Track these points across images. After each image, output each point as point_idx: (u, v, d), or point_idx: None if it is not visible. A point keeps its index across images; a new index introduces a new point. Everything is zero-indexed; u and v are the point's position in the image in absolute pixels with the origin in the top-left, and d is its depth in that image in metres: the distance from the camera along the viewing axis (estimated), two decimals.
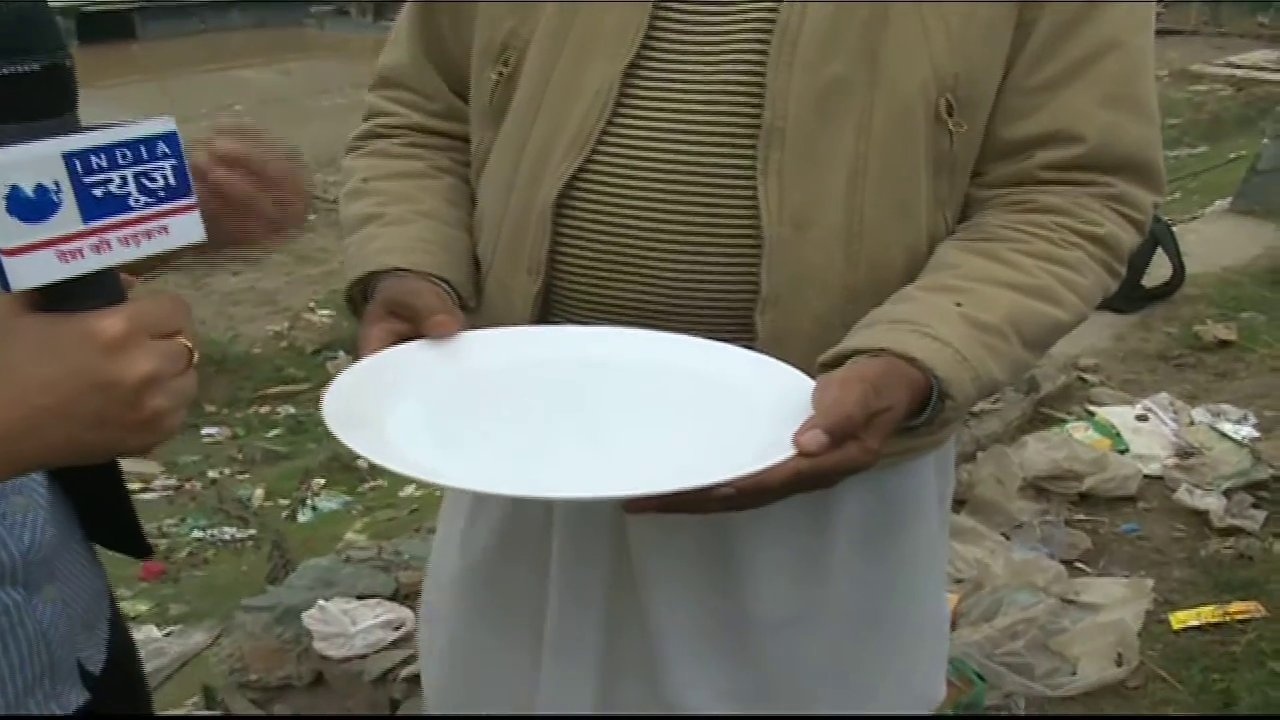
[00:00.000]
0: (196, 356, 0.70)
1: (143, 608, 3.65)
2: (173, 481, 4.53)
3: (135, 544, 1.02)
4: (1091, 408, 3.55)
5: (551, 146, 1.05)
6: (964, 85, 1.01)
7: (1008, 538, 2.85)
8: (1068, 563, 2.75)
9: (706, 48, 1.03)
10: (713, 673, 1.18)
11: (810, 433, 0.85)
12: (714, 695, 1.19)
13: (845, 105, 1.00)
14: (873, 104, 1.00)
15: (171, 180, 0.67)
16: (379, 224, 1.12)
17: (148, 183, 0.66)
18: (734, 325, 1.04)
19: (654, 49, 1.03)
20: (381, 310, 1.02)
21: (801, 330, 1.03)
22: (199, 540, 4.11)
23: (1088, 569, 2.76)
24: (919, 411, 0.95)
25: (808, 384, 0.93)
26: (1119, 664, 2.35)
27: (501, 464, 0.88)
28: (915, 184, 1.03)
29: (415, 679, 2.00)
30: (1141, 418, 3.43)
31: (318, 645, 1.97)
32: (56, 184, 0.62)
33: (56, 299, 0.64)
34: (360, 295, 1.10)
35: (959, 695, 2.22)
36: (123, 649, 0.99)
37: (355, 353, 0.99)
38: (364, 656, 1.98)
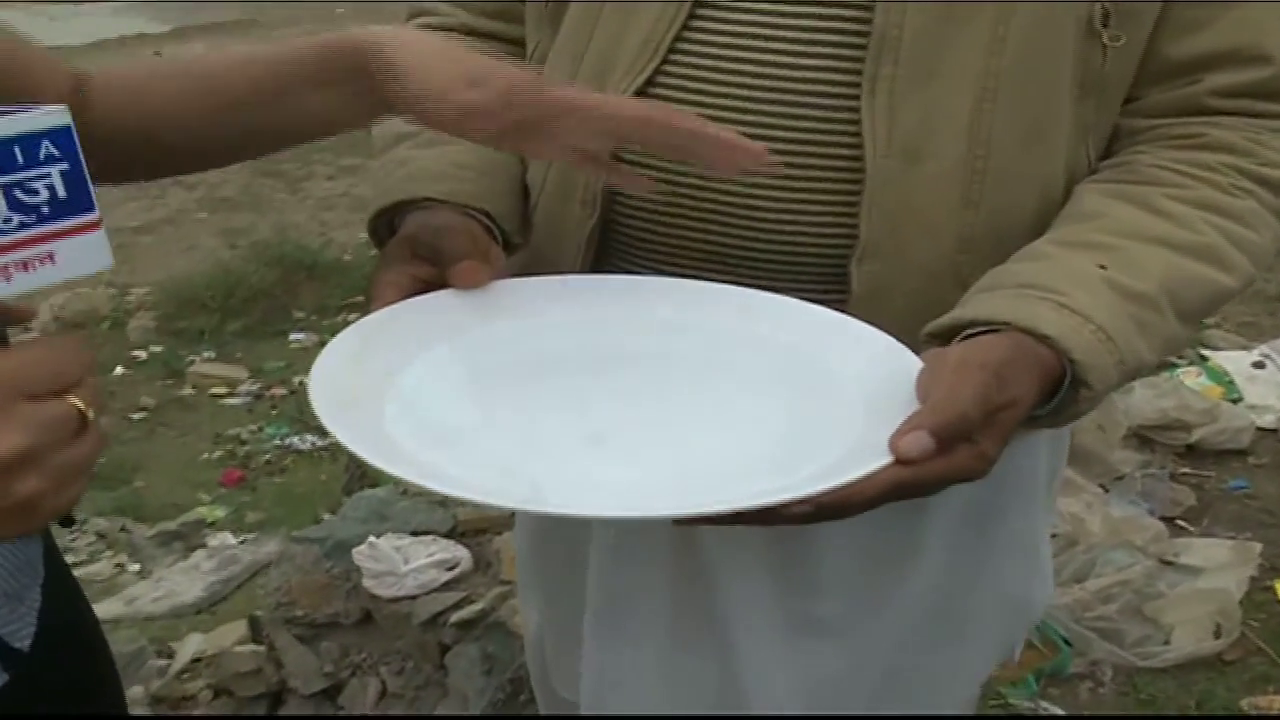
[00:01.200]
0: (96, 415, 0.57)
1: (220, 514, 3.66)
2: (255, 387, 4.54)
3: None
4: (1205, 352, 3.34)
5: (616, 53, 0.89)
6: None
7: (1106, 490, 2.69)
8: (1168, 520, 2.59)
9: None
10: (785, 669, 1.08)
11: (913, 434, 0.69)
12: (786, 692, 1.09)
13: (976, 11, 0.83)
14: (1010, 10, 0.82)
15: (61, 192, 0.52)
16: (411, 144, 0.96)
17: (23, 196, 0.51)
18: (824, 278, 0.89)
19: None
20: (403, 251, 0.86)
21: (906, 286, 0.86)
22: (278, 447, 4.12)
23: (1190, 528, 2.60)
24: (1046, 399, 0.79)
25: (912, 362, 0.77)
26: (1217, 635, 2.20)
27: (530, 462, 0.73)
28: (1055, 110, 0.86)
29: (466, 624, 1.94)
30: (1258, 364, 3.21)
31: (367, 584, 1.91)
32: None
33: None
34: (387, 229, 0.94)
35: (1042, 660, 2.10)
36: (67, 615, 0.89)
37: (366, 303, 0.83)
38: (414, 597, 1.92)
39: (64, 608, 0.87)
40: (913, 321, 0.83)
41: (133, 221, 5.86)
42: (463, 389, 0.80)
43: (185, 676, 2.05)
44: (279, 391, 4.54)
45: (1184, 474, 2.77)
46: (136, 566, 3.21)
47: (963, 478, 0.73)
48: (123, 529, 3.26)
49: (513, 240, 0.94)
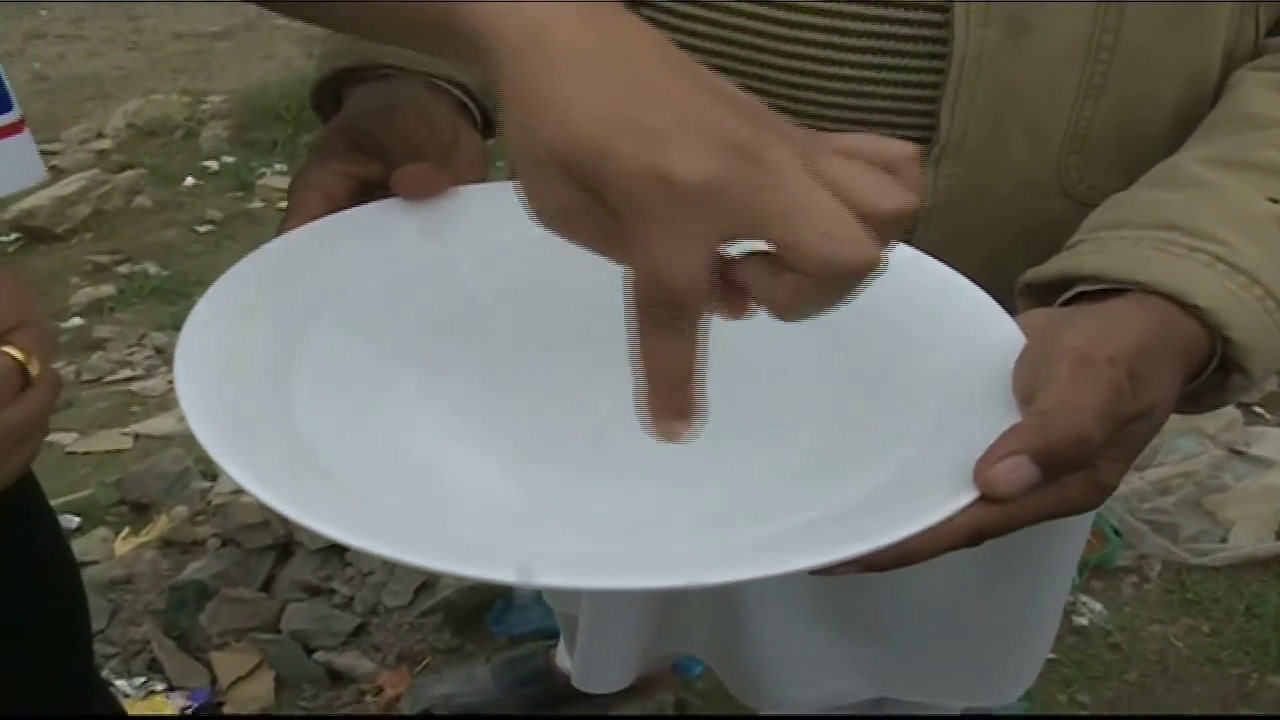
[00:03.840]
0: (41, 367, 0.50)
1: None
2: None
3: None
4: None
5: None
6: None
7: None
8: (1245, 406, 2.45)
9: None
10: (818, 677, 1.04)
11: (1010, 462, 0.48)
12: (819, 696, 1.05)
13: None
14: None
15: None
16: None
17: None
18: None
19: None
20: (339, 141, 0.65)
21: (996, 199, 0.68)
22: None
23: (1267, 415, 2.46)
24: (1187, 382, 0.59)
25: (1008, 334, 0.55)
26: (1279, 536, 2.09)
27: (506, 483, 0.52)
28: None
29: None
30: None
31: None
32: None
33: None
34: (334, 106, 0.73)
35: (1088, 552, 2.01)
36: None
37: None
38: None
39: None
40: (1002, 247, 0.68)
41: (211, 27, 5.75)
42: (406, 357, 0.59)
43: (199, 519, 2.06)
44: None
45: None
46: None
47: (1072, 512, 0.53)
48: None
49: (496, 118, 0.74)
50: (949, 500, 0.47)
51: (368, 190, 0.65)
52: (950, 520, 0.46)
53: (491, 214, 0.64)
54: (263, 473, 0.45)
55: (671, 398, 0.46)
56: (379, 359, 0.58)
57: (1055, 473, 0.49)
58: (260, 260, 0.59)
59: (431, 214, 0.64)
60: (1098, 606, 1.95)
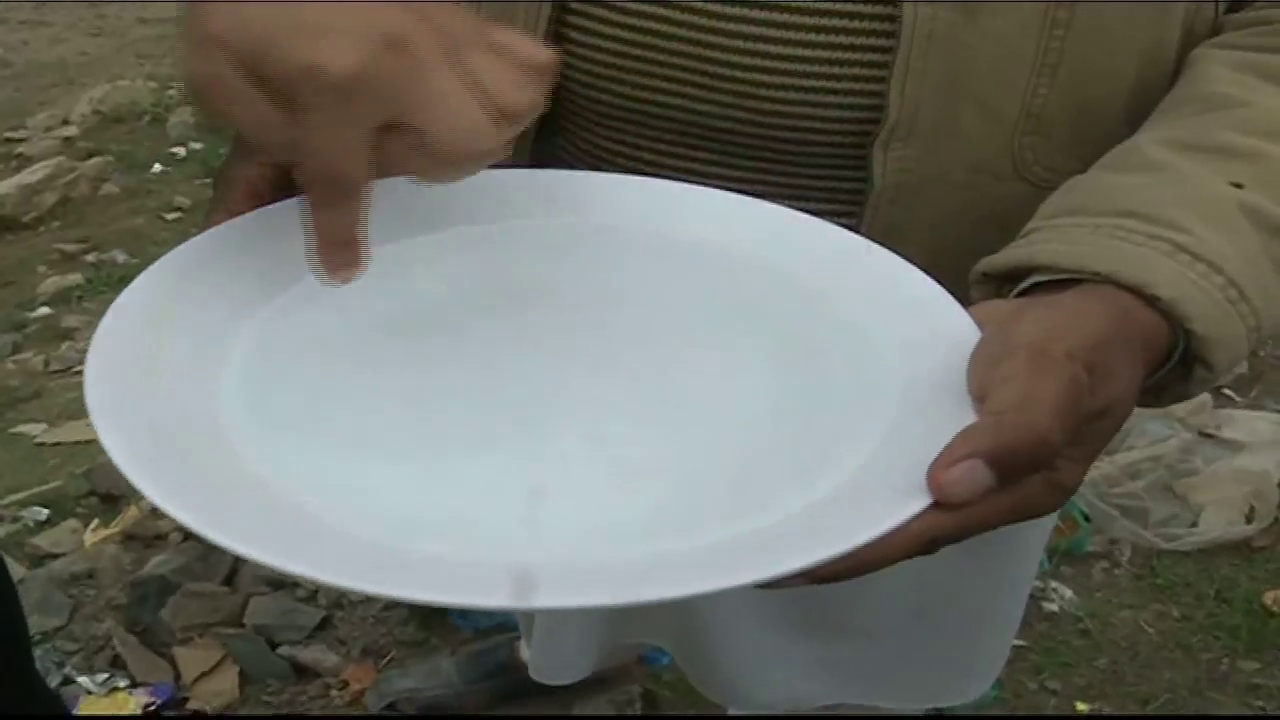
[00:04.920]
0: None
1: None
2: None
3: None
4: None
5: None
6: None
7: None
8: (1216, 389, 2.45)
9: None
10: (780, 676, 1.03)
11: (964, 466, 0.45)
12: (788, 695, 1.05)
13: None
14: None
15: None
16: None
17: None
18: (837, 165, 0.69)
19: None
20: None
21: (948, 183, 0.66)
22: None
23: (1236, 398, 2.46)
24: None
25: (960, 326, 0.53)
26: (1249, 519, 2.09)
27: (421, 486, 0.49)
28: None
29: None
30: None
31: None
32: None
33: None
34: None
35: (1058, 538, 2.01)
36: None
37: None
38: None
39: None
40: (955, 233, 0.66)
41: (175, 11, 5.68)
42: (341, 360, 0.56)
43: (160, 512, 2.03)
44: None
45: None
46: None
47: (1031, 515, 0.49)
48: None
49: None
50: (900, 507, 0.44)
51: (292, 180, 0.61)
52: (903, 528, 0.44)
53: (419, 206, 0.62)
54: (216, 513, 0.43)
55: (340, 254, 0.53)
56: (315, 360, 0.55)
57: (1012, 475, 0.46)
58: (174, 261, 0.56)
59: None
60: (1068, 593, 1.95)
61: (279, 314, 0.57)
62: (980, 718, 1.67)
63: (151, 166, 4.06)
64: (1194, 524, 2.08)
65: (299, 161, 0.51)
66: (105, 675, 1.76)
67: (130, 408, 0.47)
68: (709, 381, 0.56)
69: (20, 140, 4.20)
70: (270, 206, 0.60)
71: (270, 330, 0.56)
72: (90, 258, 3.44)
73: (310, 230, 0.53)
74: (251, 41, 0.47)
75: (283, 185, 0.61)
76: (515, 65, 0.52)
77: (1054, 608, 1.92)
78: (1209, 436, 2.28)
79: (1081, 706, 1.77)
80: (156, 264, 0.56)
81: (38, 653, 1.70)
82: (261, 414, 0.51)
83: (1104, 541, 2.04)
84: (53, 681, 1.73)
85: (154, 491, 0.43)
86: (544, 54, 0.54)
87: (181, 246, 0.57)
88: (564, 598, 0.41)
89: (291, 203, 0.60)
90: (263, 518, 0.45)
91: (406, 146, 0.50)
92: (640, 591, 0.40)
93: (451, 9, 0.51)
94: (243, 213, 0.60)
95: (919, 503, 0.44)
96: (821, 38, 0.65)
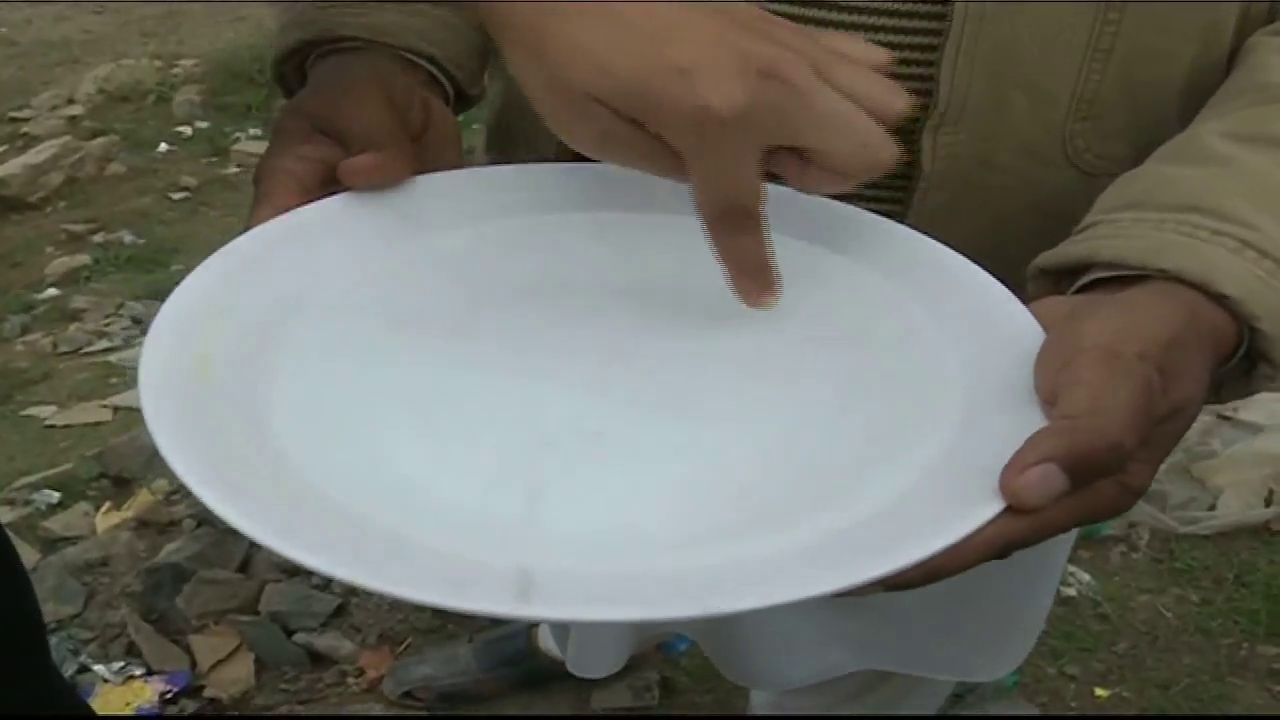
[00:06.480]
0: None
1: None
2: None
3: None
4: None
5: None
6: None
7: None
8: None
9: None
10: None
11: (1038, 470, 0.44)
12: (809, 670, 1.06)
13: None
14: None
15: None
16: None
17: None
18: None
19: None
20: (299, 123, 0.61)
21: (997, 169, 0.65)
22: None
23: None
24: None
25: (1023, 325, 0.52)
26: (1268, 503, 2.08)
27: (480, 488, 0.48)
28: None
29: None
30: None
31: None
32: None
33: None
34: (298, 80, 0.69)
35: None
36: None
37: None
38: None
39: None
40: (1004, 220, 0.65)
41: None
42: (375, 364, 0.54)
43: (174, 498, 2.03)
44: None
45: None
46: None
47: (1102, 517, 0.49)
48: None
49: (469, 92, 0.71)
50: (974, 512, 0.43)
51: (331, 174, 0.61)
52: (971, 539, 0.43)
53: (444, 206, 0.61)
54: (247, 502, 0.43)
55: (756, 280, 0.54)
56: (358, 361, 0.54)
57: (1085, 480, 0.45)
58: (218, 265, 0.55)
59: (394, 203, 0.60)
60: (1086, 577, 1.94)
61: (326, 311, 0.55)
62: (996, 718, 1.66)
63: (157, 146, 4.04)
64: (1212, 507, 2.06)
65: (697, 198, 0.51)
66: (121, 663, 1.75)
67: (184, 411, 0.47)
68: (767, 378, 0.56)
69: (25, 120, 4.18)
70: (318, 203, 0.59)
71: (319, 327, 0.55)
72: (97, 238, 3.43)
73: (722, 260, 0.54)
74: (624, 92, 0.48)
75: (327, 178, 0.60)
76: (871, 71, 0.52)
77: (1072, 592, 1.91)
78: (1227, 419, 2.26)
79: (1100, 691, 1.76)
80: (203, 267, 0.54)
81: (53, 641, 1.70)
82: (306, 413, 0.50)
83: (1122, 525, 2.03)
84: (68, 670, 1.73)
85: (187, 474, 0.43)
86: (881, 54, 0.54)
87: (235, 242, 0.56)
88: (645, 610, 0.40)
89: (338, 198, 0.59)
90: (308, 521, 0.45)
91: (800, 164, 0.51)
92: (714, 603, 0.40)
93: (786, 25, 0.51)
94: (289, 207, 0.59)
95: (992, 508, 0.43)
96: (872, 20, 0.64)
